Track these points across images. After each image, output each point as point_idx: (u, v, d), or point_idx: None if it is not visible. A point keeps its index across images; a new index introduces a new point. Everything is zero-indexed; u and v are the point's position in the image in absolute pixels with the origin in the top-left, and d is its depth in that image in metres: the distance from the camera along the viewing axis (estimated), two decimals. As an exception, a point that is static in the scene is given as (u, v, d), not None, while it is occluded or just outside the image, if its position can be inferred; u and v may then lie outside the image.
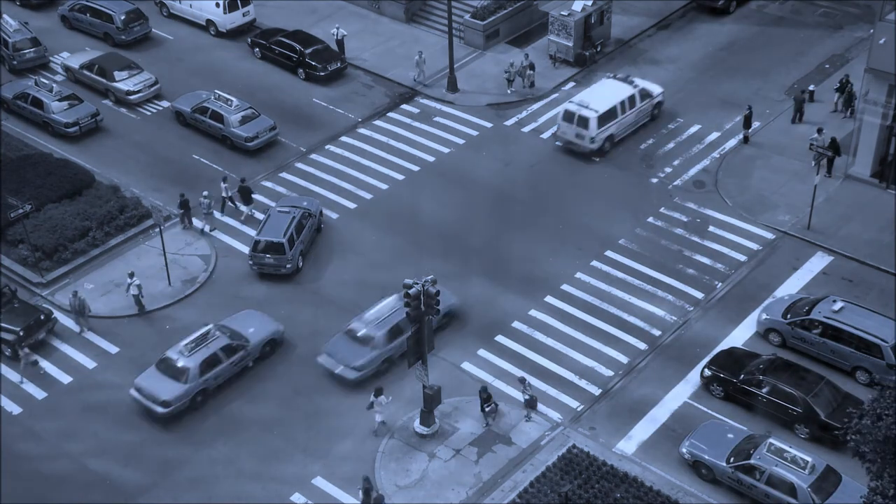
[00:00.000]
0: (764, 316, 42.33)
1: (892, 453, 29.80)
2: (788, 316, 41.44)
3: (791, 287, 44.55)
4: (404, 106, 56.37)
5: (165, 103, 56.34)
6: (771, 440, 36.28)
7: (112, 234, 47.83)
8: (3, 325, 42.17)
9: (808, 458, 35.54)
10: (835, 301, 40.88)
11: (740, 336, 42.60)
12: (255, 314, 42.94)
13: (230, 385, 41.38)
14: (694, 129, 53.71)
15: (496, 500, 36.82)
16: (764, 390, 38.80)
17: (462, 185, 50.75)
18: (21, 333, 41.99)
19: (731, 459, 36.50)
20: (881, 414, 30.17)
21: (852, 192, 48.84)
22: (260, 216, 48.06)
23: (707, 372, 40.14)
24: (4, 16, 59.88)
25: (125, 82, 56.37)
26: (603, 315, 43.73)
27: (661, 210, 48.82)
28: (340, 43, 59.03)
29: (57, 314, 44.03)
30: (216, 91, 54.62)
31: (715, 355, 40.88)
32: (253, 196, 48.98)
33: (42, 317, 42.91)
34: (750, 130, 51.93)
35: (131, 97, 56.14)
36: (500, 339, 42.96)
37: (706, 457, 36.88)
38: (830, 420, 37.47)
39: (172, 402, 39.34)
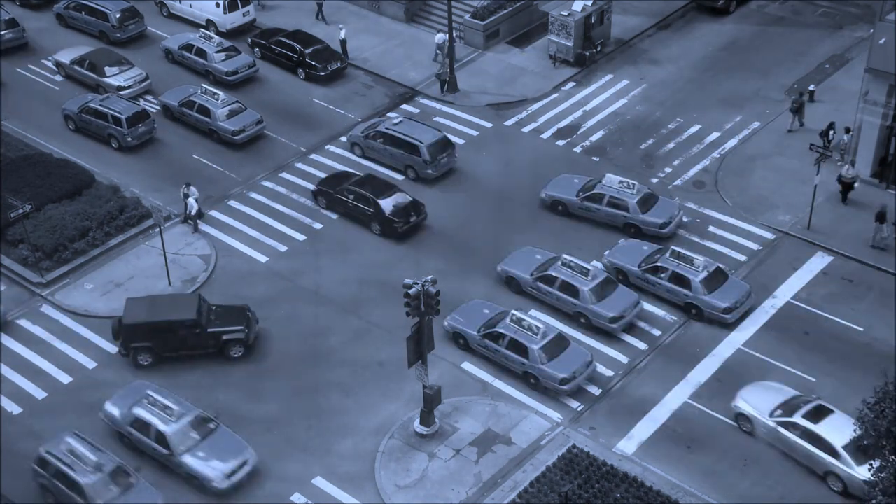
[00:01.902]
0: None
1: (893, 449, 29.81)
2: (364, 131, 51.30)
3: (791, 287, 44.57)
4: (404, 106, 56.37)
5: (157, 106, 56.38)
6: (514, 312, 41.13)
7: (112, 234, 47.83)
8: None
9: (541, 326, 40.55)
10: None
11: (741, 336, 42.60)
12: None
13: (231, 384, 41.42)
14: (694, 129, 53.72)
15: (496, 500, 36.83)
16: (350, 197, 47.74)
17: (462, 185, 50.73)
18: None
19: (482, 329, 41.53)
20: (884, 408, 30.18)
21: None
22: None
23: (314, 187, 48.82)
24: None
25: (116, 77, 56.49)
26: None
27: (661, 210, 48.81)
28: (343, 44, 59.00)
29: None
30: (203, 85, 54.72)
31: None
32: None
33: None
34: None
35: (122, 92, 56.22)
36: (500, 339, 42.98)
37: (463, 328, 41.91)
38: (393, 217, 46.59)
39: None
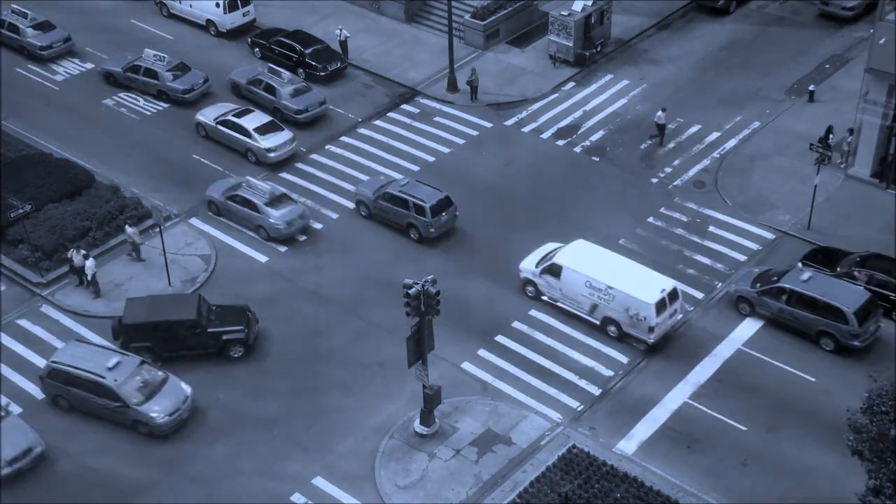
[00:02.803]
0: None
1: (891, 451, 29.78)
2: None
3: (791, 287, 44.61)
4: (404, 106, 56.39)
5: (163, 104, 56.35)
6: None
7: (112, 234, 47.82)
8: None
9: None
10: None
11: (741, 335, 42.60)
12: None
13: (231, 384, 41.42)
14: (694, 129, 53.73)
15: (496, 500, 36.83)
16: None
17: (462, 185, 50.72)
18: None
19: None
20: (875, 409, 30.16)
21: (852, 192, 48.85)
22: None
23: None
24: None
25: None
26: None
27: (661, 210, 48.84)
28: (343, 44, 59.01)
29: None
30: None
31: None
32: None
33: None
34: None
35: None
36: (500, 339, 42.97)
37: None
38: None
39: None
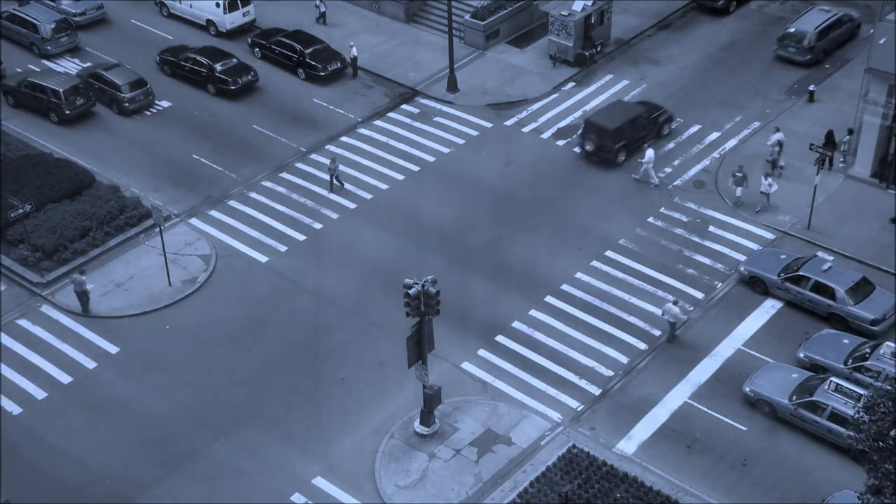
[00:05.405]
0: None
1: (891, 450, 29.79)
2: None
3: (791, 287, 44.61)
4: (404, 106, 56.40)
5: (165, 103, 56.39)
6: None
7: (112, 234, 47.84)
8: None
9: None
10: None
11: (741, 335, 42.60)
12: None
13: (231, 383, 41.42)
14: (694, 129, 53.73)
15: (496, 500, 36.84)
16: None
17: (462, 185, 50.76)
18: None
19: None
20: (874, 408, 30.18)
21: (852, 192, 48.85)
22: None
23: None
24: None
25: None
26: (603, 315, 43.75)
27: (661, 210, 48.85)
28: (354, 61, 58.40)
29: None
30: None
31: None
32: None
33: None
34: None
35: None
36: (500, 339, 42.98)
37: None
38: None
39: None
